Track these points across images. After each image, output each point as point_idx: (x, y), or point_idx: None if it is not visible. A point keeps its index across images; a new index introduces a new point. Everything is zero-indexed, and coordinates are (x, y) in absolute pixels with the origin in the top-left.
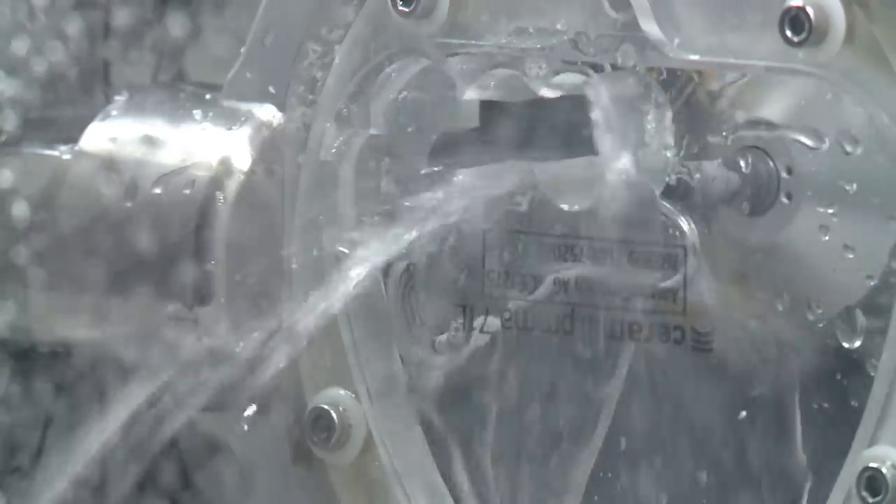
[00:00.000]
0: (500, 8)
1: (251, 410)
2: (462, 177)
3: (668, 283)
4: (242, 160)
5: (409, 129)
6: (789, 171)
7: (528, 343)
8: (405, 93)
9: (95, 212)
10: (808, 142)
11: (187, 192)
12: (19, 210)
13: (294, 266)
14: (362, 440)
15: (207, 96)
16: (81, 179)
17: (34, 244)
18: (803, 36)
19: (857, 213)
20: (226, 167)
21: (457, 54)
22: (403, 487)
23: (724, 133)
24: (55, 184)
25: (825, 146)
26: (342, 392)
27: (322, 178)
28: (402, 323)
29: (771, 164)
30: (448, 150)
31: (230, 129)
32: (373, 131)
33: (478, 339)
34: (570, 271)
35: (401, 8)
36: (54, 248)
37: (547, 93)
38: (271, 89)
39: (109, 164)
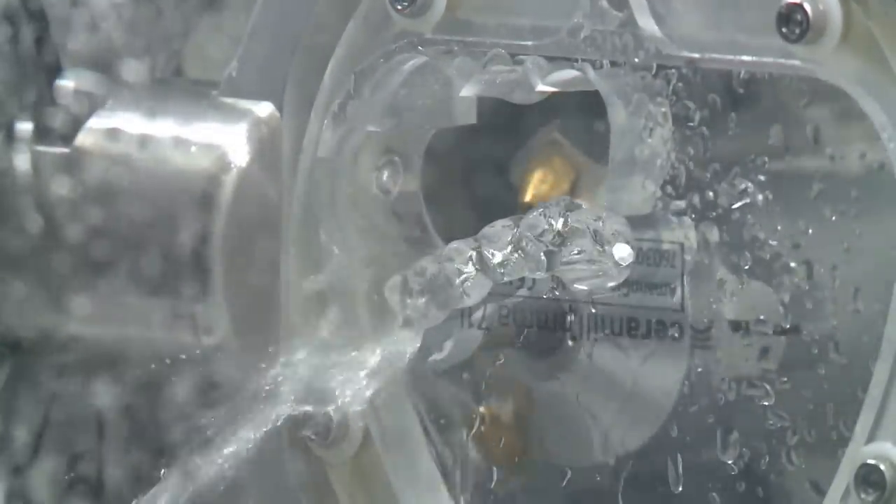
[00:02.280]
0: (497, 4)
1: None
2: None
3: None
4: (240, 157)
5: (406, 127)
6: None
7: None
8: (402, 90)
9: (92, 208)
10: None
11: (185, 189)
12: (18, 206)
13: (292, 262)
14: (360, 437)
15: (205, 93)
16: (77, 176)
17: (31, 240)
18: (800, 32)
19: None
20: (224, 164)
21: (454, 51)
22: (401, 484)
23: None
24: (53, 180)
25: None
26: None
27: (319, 175)
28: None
29: None
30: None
31: (228, 125)
32: (370, 128)
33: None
34: None
35: (398, 5)
36: (50, 244)
37: (544, 89)
38: (269, 86)
39: (107, 161)
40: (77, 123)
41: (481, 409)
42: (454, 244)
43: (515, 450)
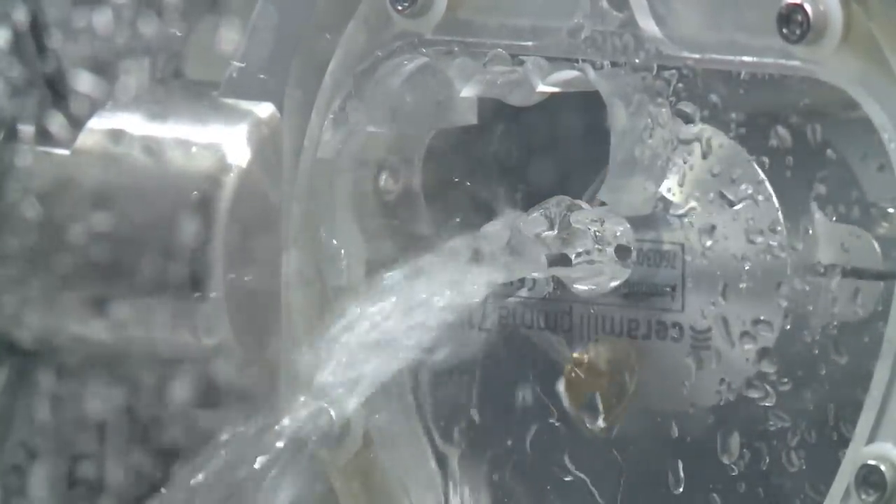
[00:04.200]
0: (498, 5)
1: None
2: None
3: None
4: (241, 158)
5: (406, 127)
6: None
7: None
8: (402, 90)
9: (92, 209)
10: None
11: (185, 190)
12: (18, 206)
13: (292, 262)
14: (360, 437)
15: (205, 94)
16: (78, 178)
17: (31, 241)
18: (801, 33)
19: None
20: (224, 165)
21: (454, 52)
22: (402, 484)
23: None
24: (53, 181)
25: None
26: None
27: (319, 175)
28: None
29: None
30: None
31: (228, 126)
32: (370, 129)
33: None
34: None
35: (398, 5)
36: (51, 244)
37: (544, 90)
38: (269, 87)
39: (106, 162)
40: (78, 125)
41: (576, 354)
42: (453, 243)
43: (609, 396)
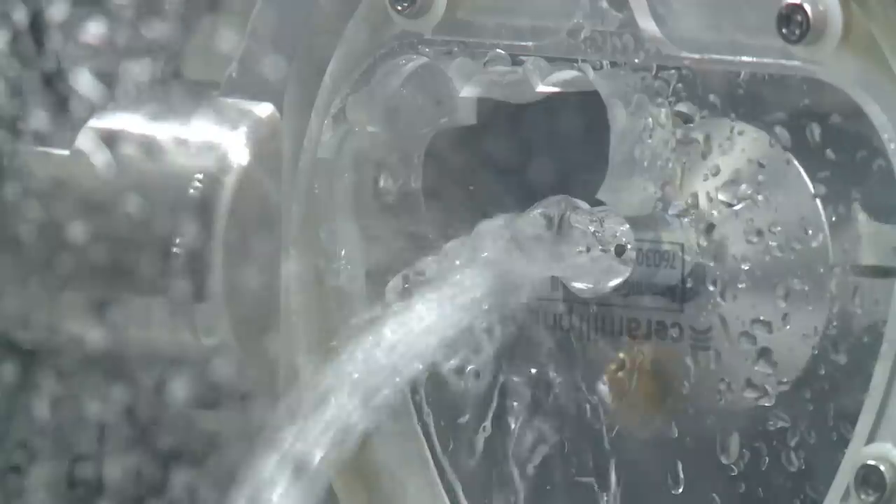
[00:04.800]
0: (497, 5)
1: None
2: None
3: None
4: (240, 158)
5: (406, 127)
6: None
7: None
8: (402, 90)
9: (92, 210)
10: None
11: (185, 190)
12: (18, 206)
13: (291, 264)
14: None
15: (205, 94)
16: (78, 178)
17: (31, 241)
18: (800, 33)
19: None
20: (224, 165)
21: (454, 52)
22: (402, 484)
23: None
24: (52, 181)
25: None
26: None
27: (319, 175)
28: None
29: None
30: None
31: (228, 127)
32: (369, 129)
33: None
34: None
35: (398, 5)
36: (51, 244)
37: (544, 90)
38: (269, 86)
39: (106, 163)
40: (77, 125)
41: (621, 354)
42: (453, 243)
43: (654, 396)
